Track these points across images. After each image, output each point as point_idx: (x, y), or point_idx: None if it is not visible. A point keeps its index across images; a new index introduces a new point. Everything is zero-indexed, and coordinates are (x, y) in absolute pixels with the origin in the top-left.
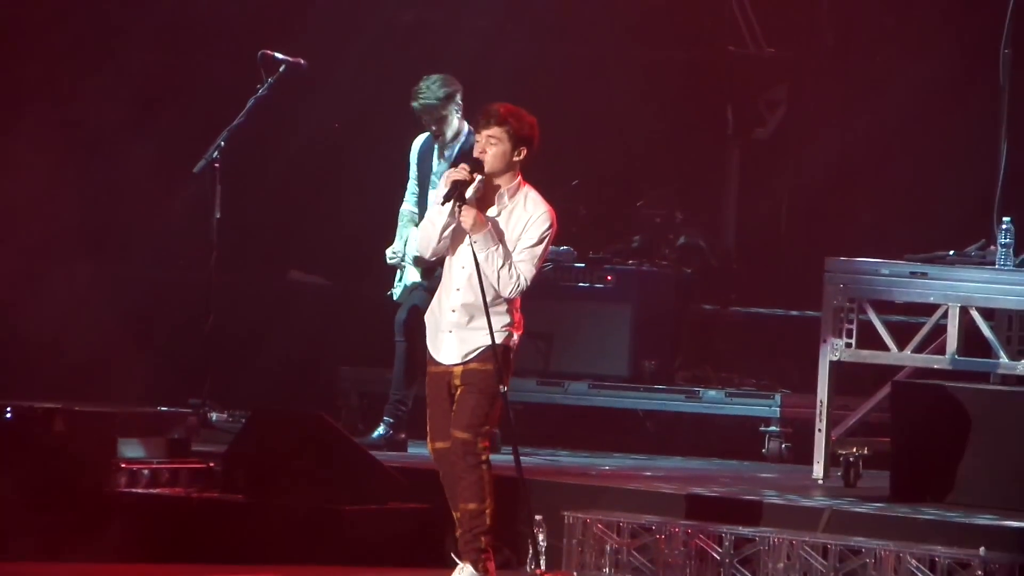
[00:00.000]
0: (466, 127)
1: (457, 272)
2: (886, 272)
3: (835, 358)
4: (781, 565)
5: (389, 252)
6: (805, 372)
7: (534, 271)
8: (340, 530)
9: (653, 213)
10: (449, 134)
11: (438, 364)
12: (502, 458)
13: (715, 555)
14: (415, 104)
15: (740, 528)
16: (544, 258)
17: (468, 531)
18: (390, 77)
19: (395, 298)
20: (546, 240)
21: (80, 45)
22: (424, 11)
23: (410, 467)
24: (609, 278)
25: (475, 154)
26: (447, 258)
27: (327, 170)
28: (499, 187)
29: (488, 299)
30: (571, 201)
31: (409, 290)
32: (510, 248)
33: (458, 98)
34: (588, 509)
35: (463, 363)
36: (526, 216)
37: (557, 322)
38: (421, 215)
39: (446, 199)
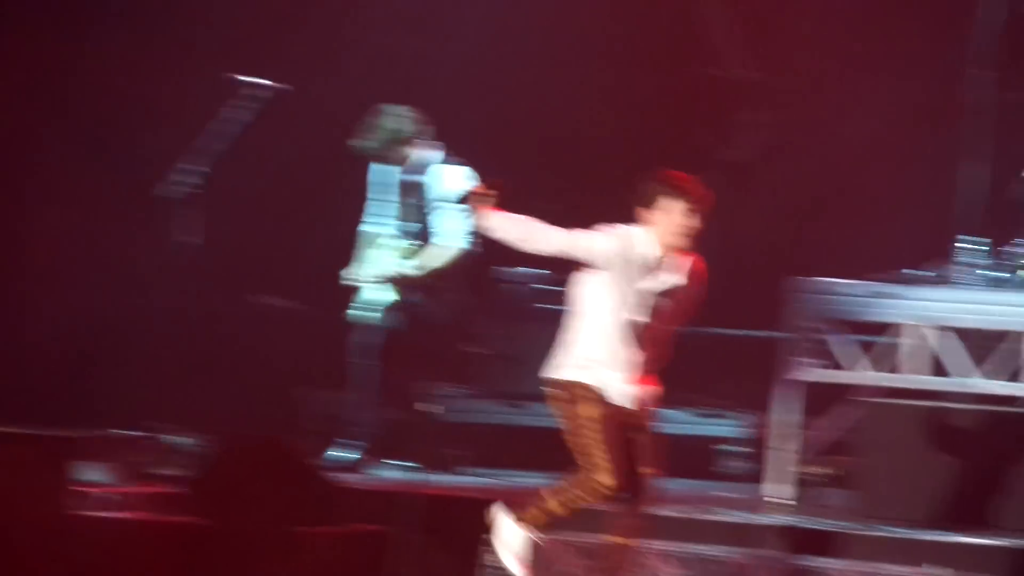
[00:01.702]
0: (425, 150)
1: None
2: (846, 291)
3: (794, 377)
4: None
5: (347, 274)
6: (764, 391)
7: None
8: (300, 553)
9: None
10: (403, 161)
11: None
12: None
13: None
14: (364, 144)
15: (699, 547)
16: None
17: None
18: (367, 101)
19: (353, 318)
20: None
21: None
22: (402, 37)
23: (367, 488)
24: None
25: (682, 230)
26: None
27: (299, 194)
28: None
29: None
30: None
31: (370, 311)
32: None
33: (409, 133)
34: (549, 531)
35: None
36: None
37: (524, 343)
38: (380, 236)
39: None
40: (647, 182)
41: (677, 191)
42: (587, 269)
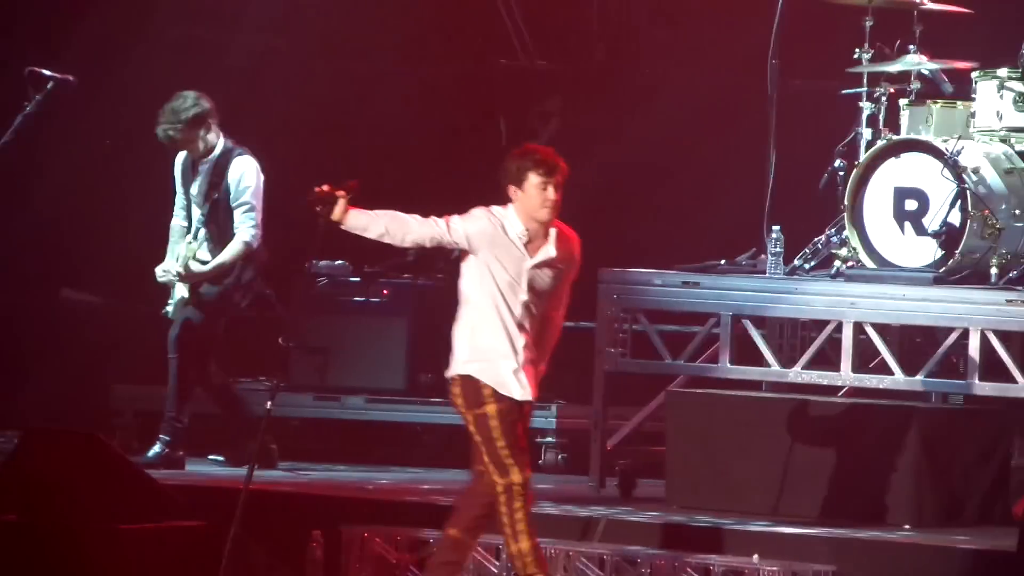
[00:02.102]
0: (221, 142)
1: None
2: (659, 282)
3: (610, 368)
4: (558, 575)
5: (159, 270)
6: (580, 383)
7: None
8: (116, 549)
9: None
10: (205, 151)
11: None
12: (278, 474)
13: (492, 568)
14: (159, 133)
15: None
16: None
17: None
18: (160, 93)
19: (169, 316)
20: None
21: None
22: (193, 27)
23: (187, 485)
24: (385, 292)
25: (544, 203)
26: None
27: (99, 187)
28: (547, 228)
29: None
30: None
31: (181, 305)
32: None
33: (206, 117)
34: (366, 523)
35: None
36: (567, 252)
37: (333, 336)
38: (190, 230)
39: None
40: (507, 160)
41: (534, 164)
42: (464, 257)
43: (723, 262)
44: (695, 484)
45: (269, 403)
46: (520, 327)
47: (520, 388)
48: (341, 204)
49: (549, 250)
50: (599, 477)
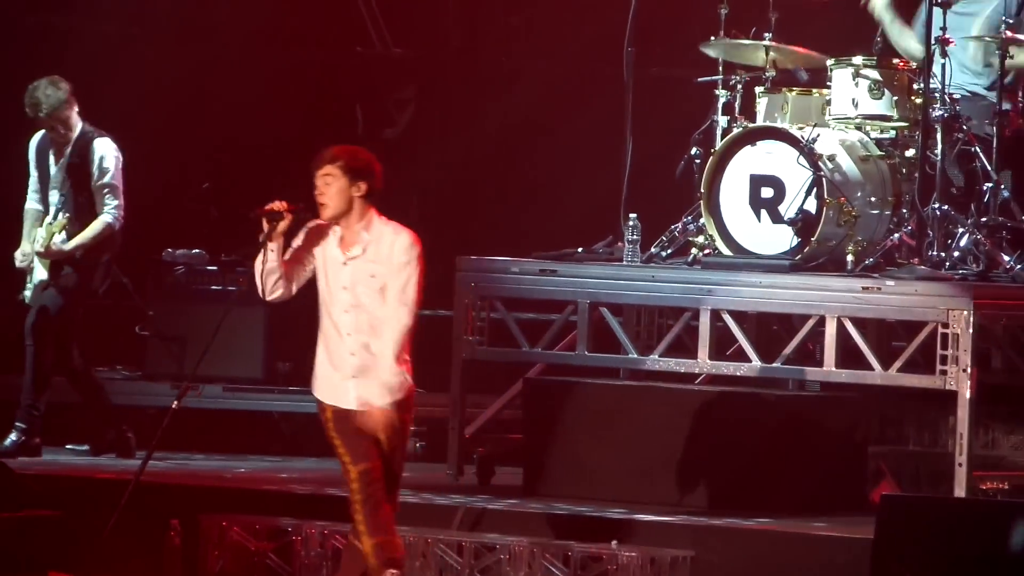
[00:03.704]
0: (79, 125)
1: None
2: (516, 270)
3: (467, 356)
4: (418, 563)
5: (18, 254)
6: (438, 371)
7: (413, 298)
8: None
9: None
10: (62, 133)
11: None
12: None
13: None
14: (41, 114)
15: None
16: (420, 282)
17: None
18: (13, 80)
19: (27, 301)
20: (415, 263)
21: None
22: (48, 15)
23: (44, 473)
24: (241, 280)
25: (316, 196)
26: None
27: None
28: (351, 226)
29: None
30: (203, 203)
31: (39, 289)
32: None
33: (69, 100)
34: (225, 512)
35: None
36: (394, 249)
37: (190, 325)
38: (46, 213)
39: (259, 216)
40: None
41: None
42: None
43: (580, 250)
44: (553, 472)
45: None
46: (343, 334)
47: (347, 399)
48: (285, 223)
49: (356, 250)
50: (457, 465)
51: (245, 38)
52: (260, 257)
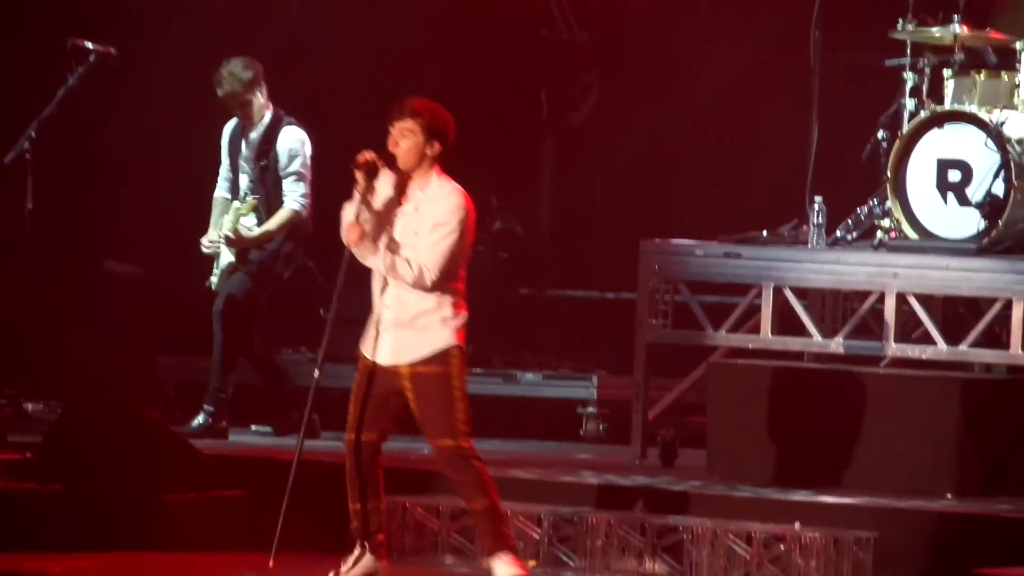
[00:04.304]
0: (270, 110)
1: None
2: (700, 253)
3: (651, 339)
4: (600, 543)
5: (205, 241)
6: (622, 353)
7: (439, 259)
8: (159, 518)
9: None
10: (256, 118)
11: (377, 362)
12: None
13: (535, 535)
14: (219, 92)
15: (559, 508)
16: (463, 244)
17: (489, 528)
18: (201, 65)
19: (213, 287)
20: (454, 227)
21: None
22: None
23: (230, 455)
24: None
25: (389, 145)
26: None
27: (140, 159)
28: (412, 180)
29: (423, 297)
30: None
31: (226, 274)
32: (423, 240)
33: (261, 80)
34: (408, 493)
35: (409, 365)
36: (438, 208)
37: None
38: (233, 200)
39: (354, 168)
40: None
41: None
42: None
43: (765, 233)
44: (736, 454)
45: (316, 372)
46: (383, 284)
47: (375, 349)
48: (377, 175)
49: (408, 207)
50: (641, 447)
51: (430, 23)
52: (354, 210)
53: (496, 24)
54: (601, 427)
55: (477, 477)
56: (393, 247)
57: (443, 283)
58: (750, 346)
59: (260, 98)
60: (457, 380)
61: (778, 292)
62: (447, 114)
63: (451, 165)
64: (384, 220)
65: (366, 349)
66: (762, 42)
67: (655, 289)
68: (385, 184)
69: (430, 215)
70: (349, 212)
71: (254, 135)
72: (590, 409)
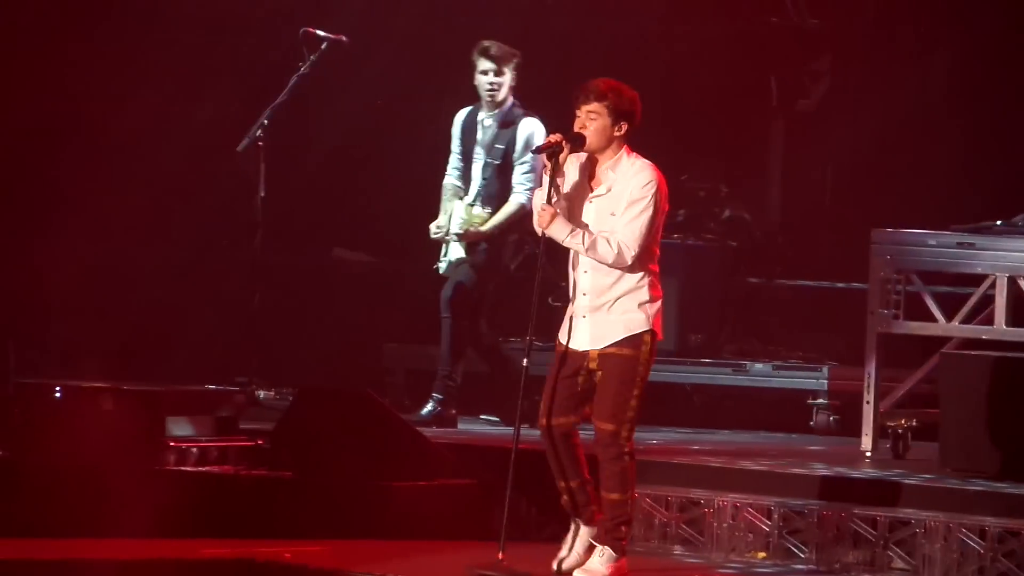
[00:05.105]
0: (510, 101)
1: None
2: (933, 243)
3: (882, 330)
4: (831, 536)
5: (433, 227)
6: (852, 344)
7: (638, 236)
8: (388, 506)
9: (698, 186)
10: (498, 101)
11: (572, 348)
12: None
13: (764, 527)
14: (481, 52)
15: (789, 500)
16: (658, 221)
17: (610, 519)
18: (431, 53)
19: (441, 272)
20: (648, 202)
21: (120, 29)
22: None
23: (458, 443)
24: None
25: (576, 129)
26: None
27: (370, 147)
28: (602, 163)
29: (619, 282)
30: None
31: (454, 265)
32: (620, 219)
33: (516, 66)
34: (637, 484)
35: (600, 348)
36: (630, 186)
37: None
38: (465, 189)
39: (540, 151)
40: None
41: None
42: None
43: (999, 223)
44: (969, 447)
45: (525, 360)
46: (579, 269)
47: (571, 336)
48: (565, 155)
49: (601, 189)
50: (872, 439)
51: (660, 9)
52: (547, 194)
53: (727, 11)
54: (832, 419)
55: (623, 470)
56: (590, 229)
57: (641, 262)
58: (983, 337)
59: (511, 74)
60: (643, 367)
61: (1012, 283)
62: (633, 92)
63: (681, 154)
64: (578, 204)
65: (563, 336)
66: (996, 24)
67: (887, 279)
68: (575, 168)
69: (624, 193)
70: (540, 196)
71: (490, 122)
72: (821, 400)
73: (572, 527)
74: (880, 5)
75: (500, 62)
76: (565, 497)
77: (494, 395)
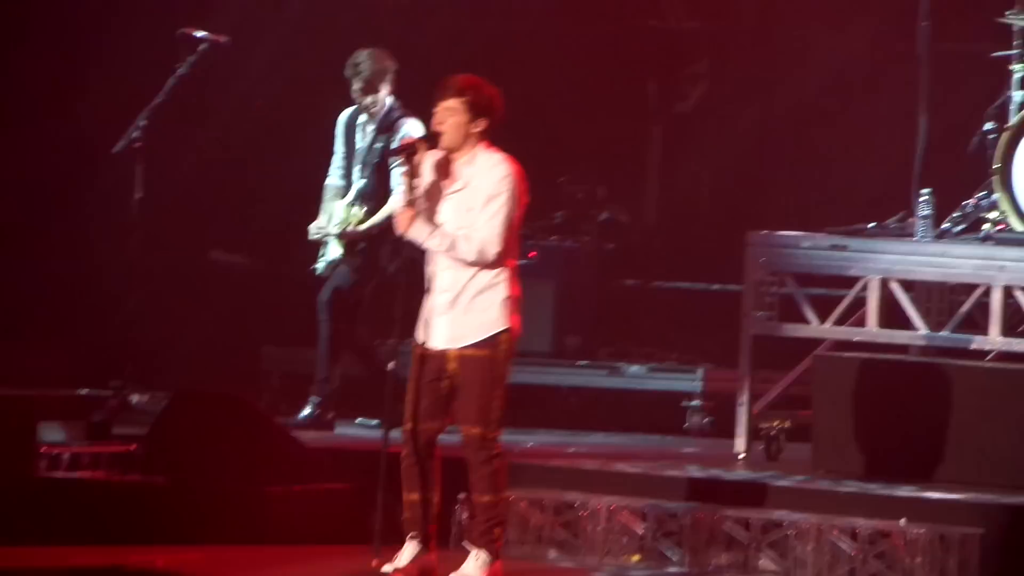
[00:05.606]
0: (389, 100)
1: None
2: (807, 245)
3: (757, 331)
4: (704, 538)
5: (313, 227)
6: (727, 346)
7: (498, 233)
8: (263, 511)
9: (575, 189)
10: (378, 106)
11: (429, 347)
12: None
13: (638, 530)
14: (352, 73)
15: (663, 502)
16: (516, 214)
17: (483, 522)
18: (310, 54)
19: (318, 273)
20: (506, 196)
21: None
22: None
23: (335, 447)
24: (532, 254)
25: (433, 126)
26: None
27: (249, 148)
28: (458, 159)
29: (476, 278)
30: None
31: (332, 267)
32: (479, 215)
33: (390, 70)
34: (512, 487)
35: (459, 349)
36: (487, 180)
37: None
38: (347, 189)
39: (395, 153)
40: None
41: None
42: None
43: (872, 225)
44: (842, 449)
45: (391, 364)
46: (436, 265)
47: (428, 334)
48: (420, 156)
49: (458, 184)
50: (746, 441)
51: (538, 13)
52: (403, 196)
53: (605, 13)
54: (706, 420)
55: (494, 472)
56: (448, 227)
57: (498, 258)
58: (856, 339)
59: (387, 87)
60: (501, 366)
61: (884, 285)
62: (493, 89)
63: (559, 156)
64: (436, 202)
65: (419, 335)
66: (870, 32)
67: (761, 281)
68: (433, 166)
69: (482, 188)
70: (398, 198)
71: (371, 124)
72: (695, 402)
73: (408, 542)
74: (756, 10)
75: (371, 82)
76: (407, 514)
77: (371, 398)
